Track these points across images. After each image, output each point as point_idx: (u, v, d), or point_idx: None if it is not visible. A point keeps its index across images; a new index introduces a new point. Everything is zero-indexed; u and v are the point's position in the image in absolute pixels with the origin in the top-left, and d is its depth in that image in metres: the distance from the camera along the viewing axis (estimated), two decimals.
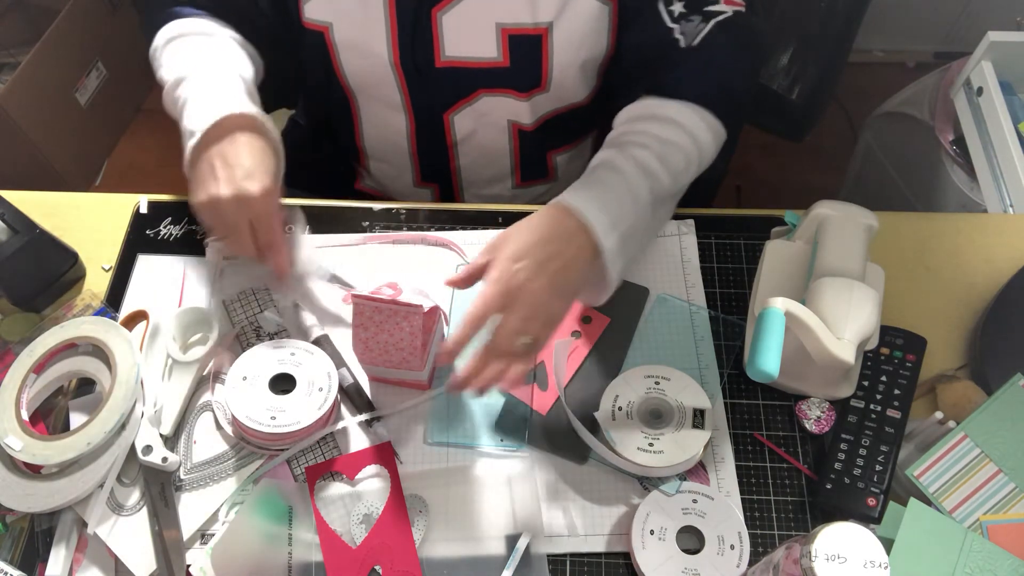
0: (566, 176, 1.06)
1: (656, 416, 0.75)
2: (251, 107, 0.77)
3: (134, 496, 0.75)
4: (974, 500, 0.71)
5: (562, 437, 0.77)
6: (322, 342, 0.82)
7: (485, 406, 0.79)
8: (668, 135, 0.79)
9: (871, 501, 0.72)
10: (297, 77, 0.99)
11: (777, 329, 0.69)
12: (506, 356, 0.68)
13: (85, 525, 0.73)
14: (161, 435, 0.77)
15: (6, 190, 0.91)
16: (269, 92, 0.96)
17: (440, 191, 1.07)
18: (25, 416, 0.75)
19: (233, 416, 0.75)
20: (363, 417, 0.78)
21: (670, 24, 0.81)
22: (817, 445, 0.78)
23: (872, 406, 0.77)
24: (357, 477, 0.76)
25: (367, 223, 0.92)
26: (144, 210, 0.94)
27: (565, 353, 0.81)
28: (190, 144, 0.76)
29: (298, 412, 0.75)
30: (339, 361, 0.81)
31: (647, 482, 0.75)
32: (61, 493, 0.72)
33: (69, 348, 0.79)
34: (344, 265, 0.88)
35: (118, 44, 1.96)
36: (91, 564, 0.72)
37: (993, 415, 0.74)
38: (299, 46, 0.91)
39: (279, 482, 0.75)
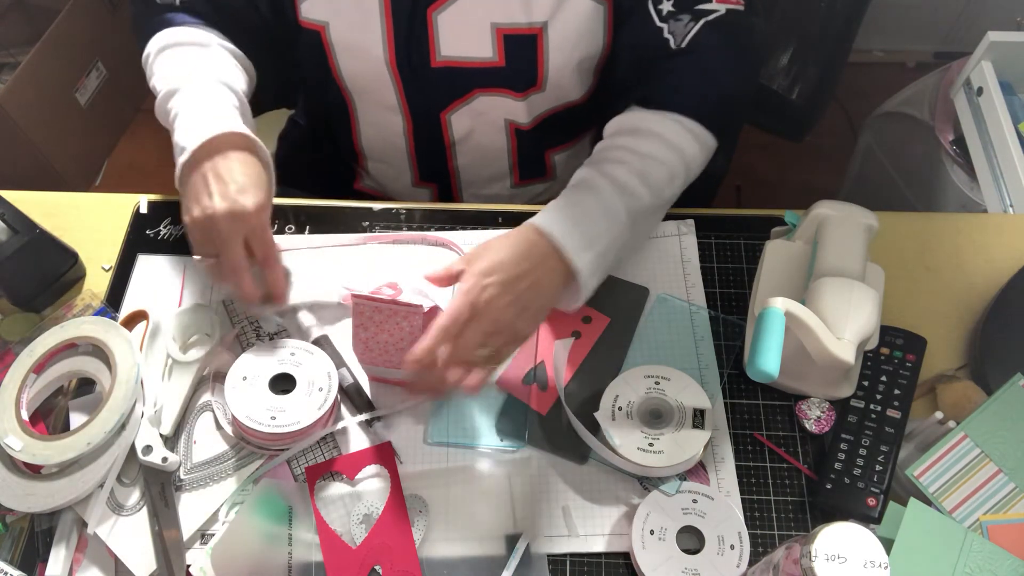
0: (564, 175, 1.06)
1: (656, 416, 0.75)
2: (242, 126, 0.77)
3: (134, 496, 0.75)
4: (974, 500, 0.71)
5: (562, 437, 0.77)
6: (322, 342, 0.82)
7: (485, 406, 0.79)
8: (650, 150, 0.80)
9: (871, 501, 0.72)
10: (296, 78, 0.99)
11: (777, 329, 0.69)
12: (465, 365, 0.71)
13: (85, 525, 0.73)
14: (161, 435, 0.77)
15: (6, 190, 0.91)
16: (268, 93, 0.96)
17: (439, 191, 1.07)
18: (25, 416, 0.75)
19: (233, 416, 0.75)
20: (363, 417, 0.78)
21: (659, 23, 0.81)
22: (817, 445, 0.78)
23: (872, 406, 0.77)
24: (357, 477, 0.76)
25: (367, 223, 0.92)
26: (144, 210, 0.94)
27: (565, 353, 0.81)
28: (180, 161, 0.76)
29: (298, 412, 0.75)
30: (339, 361, 0.81)
31: (647, 482, 0.75)
32: (61, 493, 0.72)
33: (69, 348, 0.79)
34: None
35: (118, 44, 1.96)
36: (91, 564, 0.72)
37: (993, 415, 0.74)
38: (297, 46, 0.91)
39: (279, 482, 0.75)
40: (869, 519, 0.71)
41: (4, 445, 0.73)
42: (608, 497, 0.75)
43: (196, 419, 0.79)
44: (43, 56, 1.78)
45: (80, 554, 0.73)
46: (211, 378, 0.81)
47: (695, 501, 0.72)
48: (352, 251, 0.90)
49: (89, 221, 0.93)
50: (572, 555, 0.73)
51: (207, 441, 0.78)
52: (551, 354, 0.81)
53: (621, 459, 0.73)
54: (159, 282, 0.88)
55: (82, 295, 0.87)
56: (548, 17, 0.82)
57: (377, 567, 0.71)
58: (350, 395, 0.80)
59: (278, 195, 0.83)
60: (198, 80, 0.81)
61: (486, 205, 0.94)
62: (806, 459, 0.77)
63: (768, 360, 0.67)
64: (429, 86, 0.90)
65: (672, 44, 0.81)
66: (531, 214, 0.82)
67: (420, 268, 0.88)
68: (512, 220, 0.92)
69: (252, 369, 0.77)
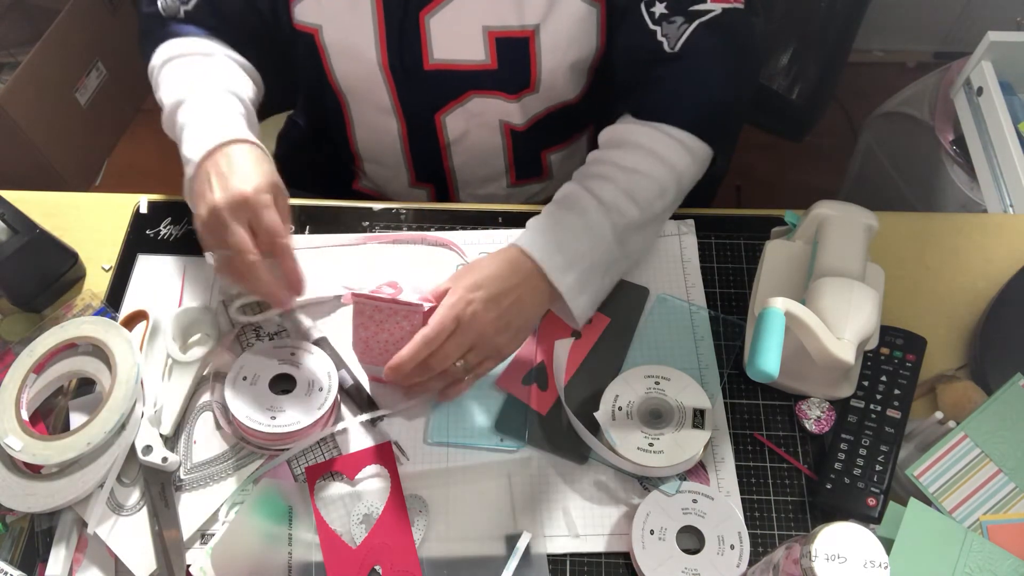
0: (560, 174, 1.06)
1: (656, 416, 0.75)
2: (246, 132, 0.77)
3: (134, 496, 0.75)
4: (974, 500, 0.71)
5: (562, 437, 0.77)
6: (322, 343, 0.82)
7: (485, 406, 0.79)
8: (638, 165, 0.80)
9: (871, 501, 0.72)
10: (295, 81, 0.99)
11: (777, 329, 0.69)
12: (441, 374, 0.74)
13: (85, 525, 0.73)
14: (161, 435, 0.77)
15: (6, 190, 0.91)
16: (275, 98, 0.96)
17: (435, 191, 1.07)
18: (25, 416, 0.75)
19: (233, 416, 0.75)
20: (364, 417, 0.78)
21: (652, 26, 0.81)
22: (817, 445, 0.78)
23: (872, 406, 0.77)
24: (357, 477, 0.76)
25: (367, 223, 0.92)
26: (144, 210, 0.94)
27: (565, 353, 0.81)
28: (188, 173, 0.76)
29: (298, 412, 0.75)
30: (339, 362, 0.81)
31: (647, 482, 0.75)
32: (61, 493, 0.72)
33: (69, 348, 0.79)
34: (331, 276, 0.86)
35: (118, 44, 1.96)
36: (91, 564, 0.72)
37: (993, 415, 0.74)
38: (293, 49, 0.91)
39: (279, 482, 0.75)
40: (869, 519, 0.71)
41: (4, 445, 0.73)
42: (608, 497, 0.75)
43: (196, 419, 0.79)
44: (43, 56, 1.78)
45: (80, 554, 0.73)
46: (211, 378, 0.81)
47: (695, 501, 0.72)
48: (352, 251, 0.90)
49: (89, 221, 0.93)
50: (572, 555, 0.73)
51: (207, 441, 0.78)
52: (551, 354, 0.81)
53: (621, 459, 0.73)
54: (159, 282, 0.88)
55: (82, 295, 0.87)
56: (540, 19, 0.82)
57: (377, 567, 0.71)
58: (350, 395, 0.80)
59: None
60: (203, 90, 0.81)
61: (486, 205, 0.94)
62: (806, 459, 0.77)
63: (768, 360, 0.67)
64: (422, 88, 0.90)
65: (666, 47, 0.81)
66: (532, 213, 0.82)
67: (420, 268, 0.88)
68: (512, 220, 0.92)
69: (252, 369, 0.77)
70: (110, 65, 1.97)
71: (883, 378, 0.78)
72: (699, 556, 0.70)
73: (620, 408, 0.76)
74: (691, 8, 0.80)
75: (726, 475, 0.76)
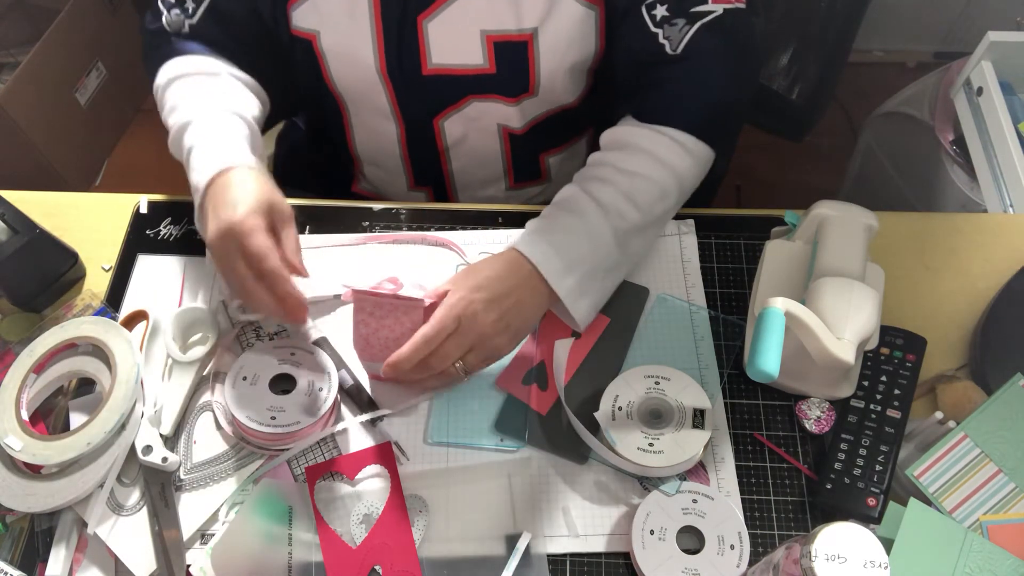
0: (559, 177, 1.06)
1: (656, 416, 0.75)
2: (246, 157, 0.77)
3: (134, 496, 0.75)
4: (974, 500, 0.71)
5: (562, 437, 0.77)
6: (322, 344, 0.82)
7: (485, 406, 0.79)
8: (639, 168, 0.80)
9: (871, 501, 0.72)
10: (296, 88, 0.99)
11: (777, 329, 0.69)
12: (440, 374, 0.74)
13: (85, 525, 0.73)
14: (161, 435, 0.77)
15: (6, 190, 0.91)
16: (281, 107, 0.96)
17: (434, 194, 1.07)
18: (25, 416, 0.75)
19: (233, 416, 0.75)
20: (364, 417, 0.78)
21: (653, 29, 0.80)
22: (817, 445, 0.78)
23: (872, 406, 0.77)
24: (357, 477, 0.76)
25: (367, 223, 0.92)
26: (144, 210, 0.94)
27: (565, 353, 0.81)
28: (196, 203, 0.77)
29: (298, 412, 0.75)
30: (339, 362, 0.81)
31: (647, 482, 0.75)
32: (61, 493, 0.72)
33: (69, 348, 0.79)
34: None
35: (118, 44, 1.96)
36: (91, 564, 0.72)
37: (993, 415, 0.74)
38: (292, 55, 0.91)
39: (279, 482, 0.75)
40: (869, 519, 0.71)
41: (4, 445, 0.73)
42: (608, 497, 0.75)
43: (196, 419, 0.79)
44: (43, 56, 1.78)
45: (80, 554, 0.73)
46: (211, 378, 0.81)
47: (695, 501, 0.72)
48: (352, 251, 0.90)
49: (89, 221, 0.93)
50: (572, 555, 0.73)
51: (207, 441, 0.78)
52: (551, 354, 0.81)
53: (621, 459, 0.73)
54: (159, 282, 0.88)
55: (82, 295, 0.87)
56: (538, 23, 0.82)
57: (377, 567, 0.71)
58: (350, 395, 0.80)
59: None
60: (208, 113, 0.80)
61: (486, 205, 0.94)
62: (806, 459, 0.77)
63: (768, 360, 0.67)
64: (421, 93, 0.90)
65: (668, 49, 0.80)
66: (531, 214, 0.82)
67: (420, 268, 0.88)
68: (512, 220, 0.92)
69: (252, 369, 0.77)
70: (110, 65, 1.97)
71: (883, 378, 0.78)
72: (699, 556, 0.70)
73: (620, 408, 0.76)
74: (693, 9, 0.79)
75: (726, 475, 0.76)
